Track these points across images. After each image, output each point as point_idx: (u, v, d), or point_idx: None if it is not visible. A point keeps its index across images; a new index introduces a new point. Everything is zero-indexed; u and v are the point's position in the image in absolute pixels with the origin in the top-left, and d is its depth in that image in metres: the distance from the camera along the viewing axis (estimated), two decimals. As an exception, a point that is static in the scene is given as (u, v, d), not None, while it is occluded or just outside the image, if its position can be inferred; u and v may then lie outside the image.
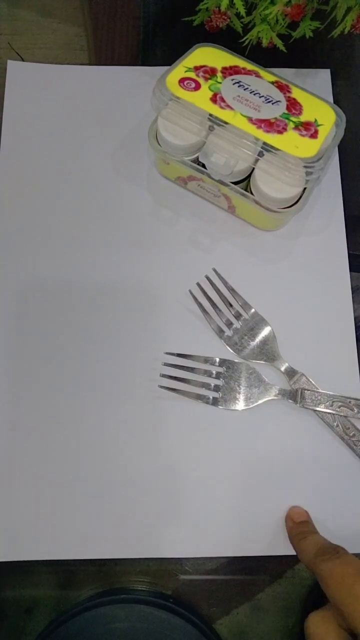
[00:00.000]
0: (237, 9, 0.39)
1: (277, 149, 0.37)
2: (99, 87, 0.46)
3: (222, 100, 0.38)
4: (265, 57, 0.43)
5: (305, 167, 0.37)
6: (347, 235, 0.43)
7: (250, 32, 0.42)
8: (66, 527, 0.37)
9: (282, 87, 0.39)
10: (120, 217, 0.43)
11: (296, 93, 0.39)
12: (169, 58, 0.46)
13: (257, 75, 0.40)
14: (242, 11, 0.40)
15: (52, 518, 0.37)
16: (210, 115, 0.38)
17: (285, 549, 0.38)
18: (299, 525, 0.37)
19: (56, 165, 0.44)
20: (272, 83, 0.39)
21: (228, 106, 0.38)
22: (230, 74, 0.39)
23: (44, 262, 0.42)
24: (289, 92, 0.39)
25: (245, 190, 0.39)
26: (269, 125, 0.37)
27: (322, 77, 0.47)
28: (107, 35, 0.48)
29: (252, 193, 0.39)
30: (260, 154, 0.37)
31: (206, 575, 0.38)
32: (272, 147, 0.37)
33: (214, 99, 0.38)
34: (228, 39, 0.43)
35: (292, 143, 0.37)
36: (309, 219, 0.43)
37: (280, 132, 0.37)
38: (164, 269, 0.42)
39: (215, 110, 0.37)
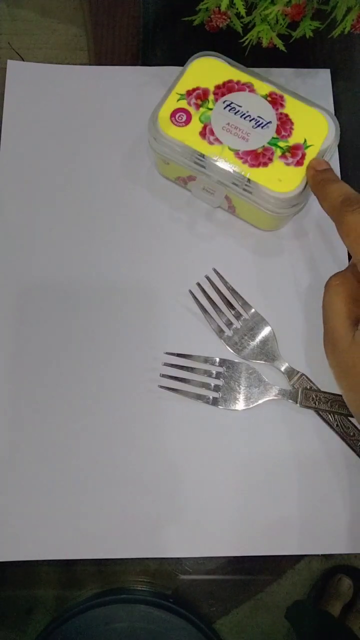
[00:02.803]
0: (237, 8, 0.39)
1: (260, 185, 0.38)
2: (99, 87, 0.46)
3: (212, 132, 0.38)
4: (265, 57, 0.43)
5: (286, 200, 0.38)
6: (347, 235, 0.43)
7: (250, 32, 0.42)
8: (66, 527, 0.37)
9: (276, 101, 0.39)
10: (120, 216, 0.43)
11: (290, 106, 0.39)
12: (169, 58, 0.46)
13: (251, 88, 0.39)
14: (242, 11, 0.40)
15: (52, 518, 0.37)
16: (199, 154, 0.38)
17: (285, 549, 0.38)
18: (322, 173, 0.37)
19: (56, 166, 0.44)
20: (266, 96, 0.39)
21: (217, 140, 0.38)
22: (223, 94, 0.39)
23: (43, 262, 0.42)
24: (282, 106, 0.39)
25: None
26: (254, 157, 0.38)
27: (322, 77, 0.47)
28: (107, 35, 0.48)
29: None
30: (246, 189, 0.38)
31: (206, 575, 0.38)
32: (256, 183, 0.38)
33: (203, 133, 0.38)
34: (228, 39, 0.43)
35: (276, 176, 0.38)
36: (309, 219, 0.43)
37: (265, 164, 0.38)
38: (164, 269, 0.42)
39: (204, 147, 0.38)
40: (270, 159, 0.38)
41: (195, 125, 0.39)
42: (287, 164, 0.38)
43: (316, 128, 0.39)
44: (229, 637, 0.38)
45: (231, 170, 0.38)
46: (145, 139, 0.44)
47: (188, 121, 0.39)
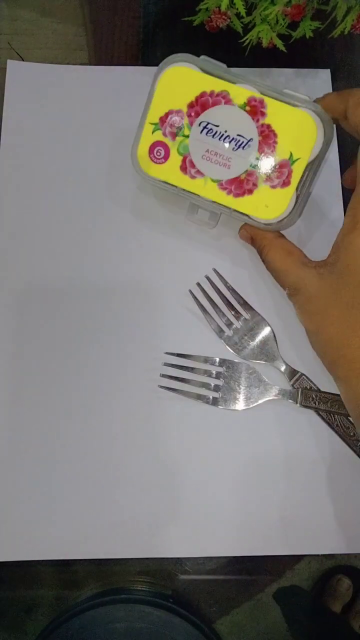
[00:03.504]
0: (237, 8, 0.39)
1: (247, 215, 0.37)
2: (99, 87, 0.46)
3: (192, 165, 0.37)
4: (265, 57, 0.43)
5: (275, 225, 0.37)
6: (347, 235, 0.43)
7: (250, 32, 0.42)
8: (66, 527, 0.37)
9: (255, 109, 0.36)
10: (120, 217, 0.43)
11: (271, 112, 0.35)
12: (169, 58, 0.46)
13: (227, 98, 0.36)
14: (243, 11, 0.40)
15: (52, 518, 0.37)
16: (184, 190, 0.38)
17: (285, 549, 0.38)
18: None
19: (56, 165, 0.44)
20: (244, 105, 0.36)
21: (198, 172, 0.37)
22: (197, 113, 0.37)
23: (43, 263, 0.42)
24: (262, 114, 0.36)
25: None
26: (238, 186, 0.37)
27: (322, 77, 0.47)
28: (107, 35, 0.48)
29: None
30: (235, 216, 0.38)
31: (206, 575, 0.38)
32: (242, 213, 0.37)
33: (183, 167, 0.37)
34: (228, 39, 0.43)
35: (263, 202, 0.37)
36: (308, 219, 0.43)
37: (250, 192, 0.37)
38: (164, 269, 0.42)
39: (186, 183, 0.37)
40: (255, 185, 0.36)
41: (175, 159, 0.37)
42: (273, 187, 0.36)
43: (303, 135, 0.35)
44: (229, 637, 0.38)
45: (216, 204, 0.37)
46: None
47: (167, 156, 0.37)
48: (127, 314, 0.41)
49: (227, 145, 0.36)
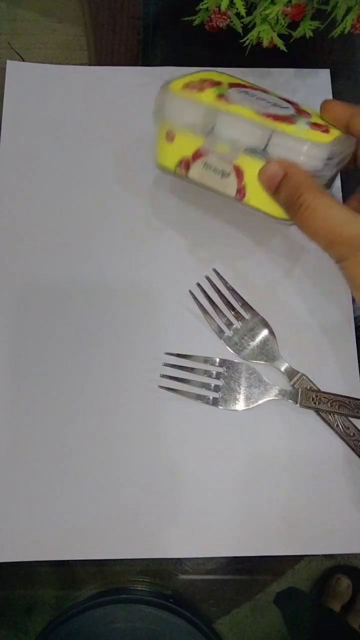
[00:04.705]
0: (237, 8, 0.39)
1: (289, 135, 0.33)
2: (99, 88, 0.46)
3: (229, 98, 0.35)
4: (265, 57, 0.43)
5: (321, 150, 0.33)
6: (347, 236, 0.43)
7: (250, 32, 0.42)
8: (66, 527, 0.37)
9: (290, 102, 0.37)
10: (120, 217, 0.43)
11: (305, 108, 0.37)
12: (169, 58, 0.46)
13: (265, 92, 0.37)
14: (243, 11, 0.40)
15: (52, 518, 0.37)
16: (214, 110, 0.34)
17: (285, 549, 0.38)
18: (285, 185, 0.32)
19: (55, 166, 0.44)
20: (279, 98, 0.37)
21: (235, 102, 0.35)
22: (237, 87, 0.36)
23: (43, 263, 0.42)
24: (297, 105, 0.37)
25: None
26: (278, 118, 0.34)
27: (322, 77, 0.47)
28: (107, 35, 0.48)
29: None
30: (268, 147, 0.34)
31: (206, 575, 0.38)
32: (282, 136, 0.33)
33: (220, 96, 0.35)
34: (228, 39, 0.43)
35: (303, 132, 0.33)
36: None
37: (291, 123, 0.34)
38: (164, 269, 0.42)
39: (221, 105, 0.35)
40: (294, 122, 0.34)
41: (211, 93, 0.35)
42: (313, 129, 0.34)
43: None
44: (229, 637, 0.38)
45: (252, 123, 0.34)
46: (144, 139, 0.43)
47: (203, 89, 0.35)
48: (127, 314, 0.41)
49: (265, 102, 0.35)
